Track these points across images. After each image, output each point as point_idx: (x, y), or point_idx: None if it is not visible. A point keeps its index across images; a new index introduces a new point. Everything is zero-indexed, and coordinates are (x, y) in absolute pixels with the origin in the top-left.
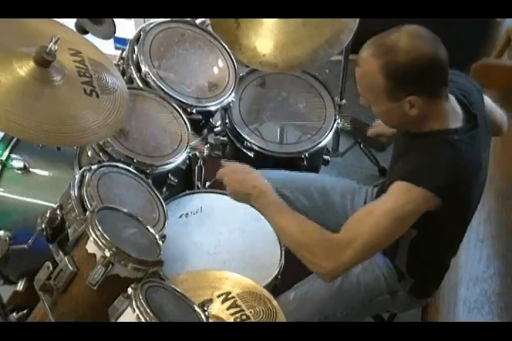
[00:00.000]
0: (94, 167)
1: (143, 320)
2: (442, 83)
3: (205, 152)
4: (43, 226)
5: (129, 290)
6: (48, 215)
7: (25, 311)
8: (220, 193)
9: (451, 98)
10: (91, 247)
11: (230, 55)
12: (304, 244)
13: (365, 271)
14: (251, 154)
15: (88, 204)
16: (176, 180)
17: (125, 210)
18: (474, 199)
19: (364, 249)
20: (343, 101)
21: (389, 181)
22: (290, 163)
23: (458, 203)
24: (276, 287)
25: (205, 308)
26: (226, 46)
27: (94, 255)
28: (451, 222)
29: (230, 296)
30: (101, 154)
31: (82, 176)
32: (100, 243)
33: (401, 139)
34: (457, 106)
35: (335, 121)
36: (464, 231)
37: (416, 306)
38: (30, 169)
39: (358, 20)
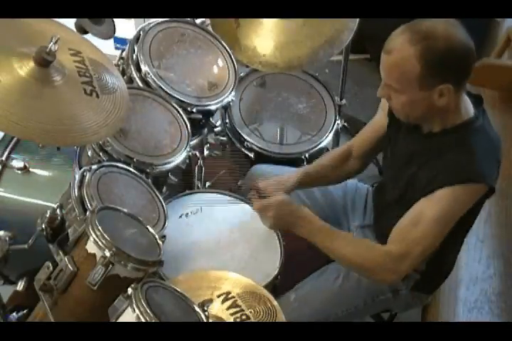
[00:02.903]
0: (94, 167)
1: (143, 320)
2: (470, 73)
3: (205, 152)
4: (43, 226)
5: (129, 290)
6: (47, 215)
7: (25, 311)
8: (219, 193)
9: None
10: (91, 247)
11: (230, 55)
12: (360, 265)
13: None
14: (251, 154)
15: (88, 204)
16: (176, 180)
17: (125, 210)
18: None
19: (421, 257)
20: (343, 101)
21: (424, 190)
22: (290, 163)
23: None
24: (276, 287)
25: (205, 308)
26: (226, 46)
27: (94, 255)
28: (479, 204)
29: (230, 296)
30: (101, 154)
31: (82, 176)
32: (100, 243)
33: (415, 144)
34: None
35: (335, 121)
36: None
37: (417, 305)
38: (30, 169)
39: (358, 20)
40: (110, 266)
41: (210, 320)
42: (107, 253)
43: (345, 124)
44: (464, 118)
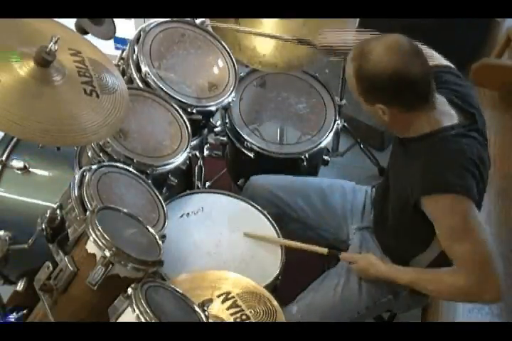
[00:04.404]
0: (94, 167)
1: (143, 320)
2: (415, 98)
3: (205, 152)
4: (43, 226)
5: (129, 290)
6: (47, 215)
7: (25, 311)
8: (220, 193)
9: (442, 100)
10: (91, 247)
11: (230, 55)
12: (451, 299)
13: None
14: (251, 154)
15: (88, 204)
16: (176, 180)
17: (125, 210)
18: (483, 192)
19: (487, 263)
20: (343, 101)
21: (412, 199)
22: (290, 163)
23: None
24: (277, 287)
25: (205, 308)
26: (226, 46)
27: (94, 255)
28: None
29: (230, 296)
30: (101, 154)
31: (82, 176)
32: (100, 243)
33: (397, 148)
34: (448, 107)
35: (335, 121)
36: None
37: (417, 306)
38: (30, 169)
39: (358, 20)
40: (110, 266)
41: (210, 320)
42: (107, 253)
43: (345, 124)
44: (435, 127)
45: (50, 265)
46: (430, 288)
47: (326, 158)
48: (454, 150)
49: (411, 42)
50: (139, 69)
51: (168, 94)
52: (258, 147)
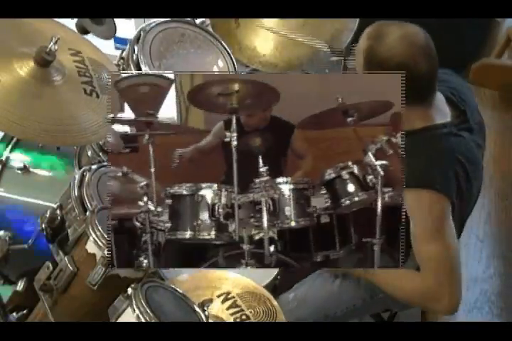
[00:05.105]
0: (94, 167)
1: (143, 320)
2: (413, 93)
3: None
4: (43, 226)
5: (129, 290)
6: (47, 215)
7: (25, 311)
8: None
9: (440, 97)
10: (91, 247)
11: (230, 55)
12: (410, 300)
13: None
14: None
15: (88, 204)
16: None
17: None
18: (472, 192)
19: (450, 271)
20: None
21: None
22: None
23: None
24: (276, 287)
25: (205, 308)
26: (226, 46)
27: (94, 255)
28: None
29: (230, 296)
30: (101, 154)
31: (82, 176)
32: (100, 243)
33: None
34: (444, 105)
35: None
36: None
37: None
38: (30, 169)
39: (358, 20)
40: (110, 265)
41: (210, 320)
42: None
43: None
44: (427, 123)
45: (50, 265)
46: (392, 281)
47: None
48: (442, 149)
49: (428, 39)
50: (139, 69)
51: None
52: None
